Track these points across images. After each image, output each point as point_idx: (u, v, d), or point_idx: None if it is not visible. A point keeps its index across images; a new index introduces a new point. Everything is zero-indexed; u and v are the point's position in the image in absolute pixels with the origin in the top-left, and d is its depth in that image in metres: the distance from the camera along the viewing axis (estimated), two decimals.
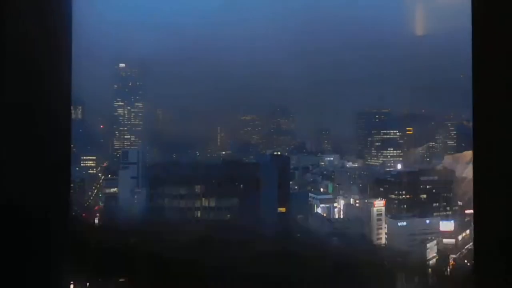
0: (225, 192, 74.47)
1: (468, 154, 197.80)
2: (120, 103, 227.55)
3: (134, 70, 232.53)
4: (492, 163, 2.25)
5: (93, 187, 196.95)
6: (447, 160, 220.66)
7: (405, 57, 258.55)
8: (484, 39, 2.28)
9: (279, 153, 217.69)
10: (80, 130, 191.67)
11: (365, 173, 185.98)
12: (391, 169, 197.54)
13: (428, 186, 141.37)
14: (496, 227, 2.28)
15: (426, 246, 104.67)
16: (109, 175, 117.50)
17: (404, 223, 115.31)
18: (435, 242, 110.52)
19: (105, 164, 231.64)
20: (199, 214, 74.05)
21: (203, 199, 73.45)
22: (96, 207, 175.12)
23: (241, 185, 76.03)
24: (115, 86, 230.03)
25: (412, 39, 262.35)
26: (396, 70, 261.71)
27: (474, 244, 2.42)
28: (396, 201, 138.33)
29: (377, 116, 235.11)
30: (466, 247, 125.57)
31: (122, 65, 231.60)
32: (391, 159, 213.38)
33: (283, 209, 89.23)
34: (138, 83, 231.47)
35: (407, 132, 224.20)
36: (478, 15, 2.29)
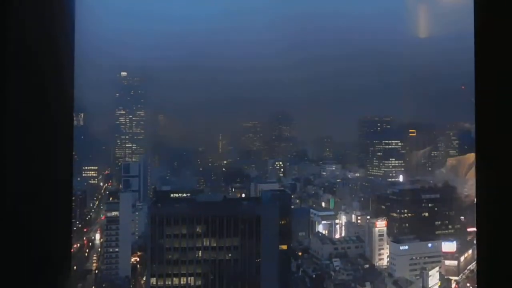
0: (226, 232, 73.71)
1: (471, 156, 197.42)
2: (122, 112, 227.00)
3: (135, 78, 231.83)
4: (496, 169, 2.23)
5: (95, 198, 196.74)
6: (450, 162, 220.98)
7: (407, 65, 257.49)
8: (487, 44, 2.31)
9: (282, 170, 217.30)
10: (82, 137, 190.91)
11: (367, 184, 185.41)
12: (393, 179, 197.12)
13: (430, 204, 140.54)
14: (501, 237, 2.23)
15: (428, 273, 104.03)
16: (110, 198, 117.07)
17: (406, 247, 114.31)
18: (437, 268, 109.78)
19: (106, 172, 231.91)
20: (200, 254, 73.49)
21: (204, 238, 72.81)
22: (98, 219, 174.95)
23: (242, 224, 75.19)
24: (117, 94, 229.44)
25: (414, 47, 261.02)
26: (398, 78, 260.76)
27: (477, 254, 2.31)
28: (398, 220, 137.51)
29: (379, 125, 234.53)
30: (468, 268, 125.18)
31: (123, 73, 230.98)
32: (393, 169, 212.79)
33: (284, 247, 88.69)
34: (139, 92, 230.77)
35: (410, 135, 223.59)
36: (481, 19, 2.31)
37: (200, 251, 75.44)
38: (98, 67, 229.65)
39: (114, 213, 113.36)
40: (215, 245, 75.28)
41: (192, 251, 75.10)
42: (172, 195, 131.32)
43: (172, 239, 73.88)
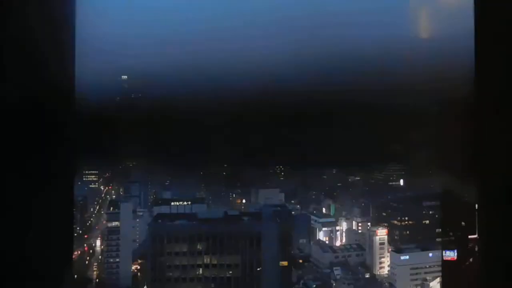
0: (227, 249, 73.86)
1: None
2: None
3: (136, 82, 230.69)
4: (497, 171, 2.20)
5: (95, 202, 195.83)
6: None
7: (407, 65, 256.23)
8: (486, 44, 2.38)
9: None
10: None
11: (367, 189, 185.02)
12: (394, 183, 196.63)
13: (431, 212, 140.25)
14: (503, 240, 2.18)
15: (429, 285, 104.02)
16: (111, 208, 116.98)
17: (407, 257, 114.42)
18: (438, 279, 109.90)
19: (107, 175, 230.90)
20: (200, 271, 73.50)
21: (205, 256, 72.91)
22: (98, 225, 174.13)
23: (243, 241, 75.27)
24: (117, 98, 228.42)
25: (415, 48, 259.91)
26: (398, 79, 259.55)
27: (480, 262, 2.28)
28: (399, 227, 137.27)
29: None
30: None
31: (124, 77, 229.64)
32: (394, 173, 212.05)
33: (285, 263, 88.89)
34: (140, 95, 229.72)
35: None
36: (481, 19, 2.30)
37: (201, 269, 75.44)
38: (98, 70, 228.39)
39: (114, 223, 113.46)
40: (215, 262, 75.31)
41: (193, 269, 75.09)
42: (172, 203, 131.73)
43: (173, 257, 73.84)
